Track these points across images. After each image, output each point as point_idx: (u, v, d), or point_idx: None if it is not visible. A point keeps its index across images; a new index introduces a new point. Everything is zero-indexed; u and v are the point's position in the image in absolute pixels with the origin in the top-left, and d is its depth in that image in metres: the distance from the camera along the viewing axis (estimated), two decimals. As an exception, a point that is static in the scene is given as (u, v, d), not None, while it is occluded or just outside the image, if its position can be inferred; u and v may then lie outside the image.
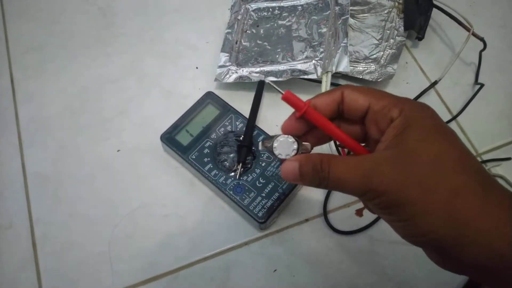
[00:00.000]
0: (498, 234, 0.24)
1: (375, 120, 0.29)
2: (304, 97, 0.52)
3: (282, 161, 0.30)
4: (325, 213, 0.45)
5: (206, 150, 0.46)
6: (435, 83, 0.52)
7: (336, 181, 0.27)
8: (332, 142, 0.45)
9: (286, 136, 0.31)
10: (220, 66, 0.52)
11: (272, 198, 0.43)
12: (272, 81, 0.31)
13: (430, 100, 0.52)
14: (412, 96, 0.52)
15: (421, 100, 0.51)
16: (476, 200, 0.25)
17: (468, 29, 0.52)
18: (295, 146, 0.31)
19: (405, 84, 0.53)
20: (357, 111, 0.29)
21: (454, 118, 0.51)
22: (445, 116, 0.51)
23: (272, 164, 0.45)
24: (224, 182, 0.44)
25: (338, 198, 0.46)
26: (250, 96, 0.50)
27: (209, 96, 0.49)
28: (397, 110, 0.27)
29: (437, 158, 0.26)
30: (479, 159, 0.48)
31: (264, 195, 0.43)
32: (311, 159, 0.28)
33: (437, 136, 0.26)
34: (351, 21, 0.56)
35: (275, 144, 0.31)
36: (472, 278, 0.27)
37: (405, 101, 0.28)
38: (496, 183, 0.27)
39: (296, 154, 0.30)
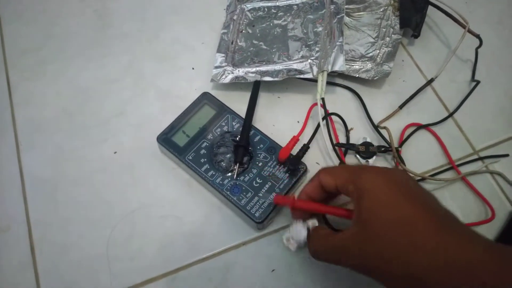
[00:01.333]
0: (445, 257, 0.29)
1: (344, 193, 0.36)
2: (302, 97, 0.52)
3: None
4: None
5: (202, 151, 0.46)
6: (431, 80, 0.52)
7: (314, 253, 0.37)
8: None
9: (296, 223, 0.39)
10: (216, 67, 0.52)
11: (269, 198, 0.43)
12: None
13: (426, 97, 0.52)
14: (408, 94, 0.52)
15: (417, 98, 0.51)
16: (430, 242, 0.29)
17: (463, 26, 0.52)
18: (305, 233, 0.38)
19: (402, 82, 0.53)
20: (331, 189, 0.36)
21: (450, 115, 0.51)
22: (441, 114, 0.51)
23: (268, 164, 0.45)
24: (221, 182, 0.44)
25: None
26: (246, 96, 0.50)
27: (205, 97, 0.49)
28: (352, 185, 0.34)
29: (387, 222, 0.31)
30: (476, 156, 0.48)
31: (261, 195, 0.43)
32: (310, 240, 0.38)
33: (386, 200, 0.32)
34: (347, 19, 0.55)
35: (291, 234, 0.39)
36: None
37: (361, 173, 0.34)
38: (449, 215, 0.32)
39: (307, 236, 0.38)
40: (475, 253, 0.28)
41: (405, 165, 0.46)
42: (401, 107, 0.51)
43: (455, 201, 0.46)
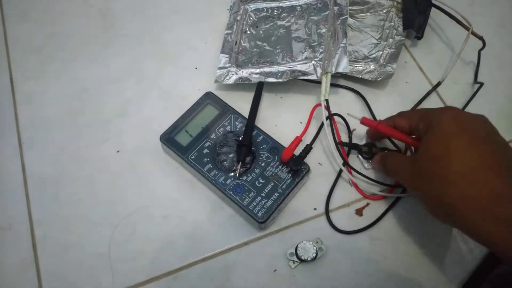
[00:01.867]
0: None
1: (415, 132, 0.40)
2: (304, 98, 0.52)
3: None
4: (327, 212, 0.45)
5: (205, 151, 0.46)
6: (438, 84, 0.52)
7: (387, 170, 0.43)
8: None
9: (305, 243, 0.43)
10: (220, 68, 0.52)
11: (271, 198, 0.43)
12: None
13: (430, 100, 0.52)
14: (411, 95, 0.52)
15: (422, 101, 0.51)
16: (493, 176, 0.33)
17: (467, 28, 0.52)
18: (314, 250, 0.43)
19: (404, 84, 0.53)
20: (404, 130, 0.41)
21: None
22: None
23: (271, 164, 0.45)
24: (223, 182, 0.44)
25: (338, 198, 0.46)
26: (249, 96, 0.50)
27: (208, 97, 0.49)
28: (422, 123, 0.38)
29: (445, 152, 0.34)
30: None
31: (263, 195, 0.43)
32: (381, 155, 0.45)
33: (447, 131, 0.35)
34: (350, 20, 0.56)
35: (300, 250, 0.43)
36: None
37: (431, 111, 0.38)
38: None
39: (315, 256, 0.43)
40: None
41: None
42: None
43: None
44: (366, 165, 0.48)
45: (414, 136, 0.42)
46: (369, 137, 0.49)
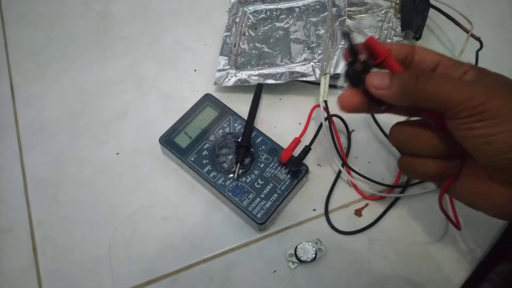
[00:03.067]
0: None
1: (446, 72, 0.31)
2: (303, 99, 0.52)
3: None
4: (326, 212, 0.45)
5: (204, 152, 0.46)
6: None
7: (435, 90, 0.28)
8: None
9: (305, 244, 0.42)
10: (219, 70, 0.53)
11: (271, 199, 0.43)
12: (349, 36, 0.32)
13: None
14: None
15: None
16: None
17: (466, 31, 0.52)
18: (314, 251, 0.42)
19: (403, 84, 0.53)
20: (426, 63, 0.31)
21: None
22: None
23: (270, 166, 0.45)
24: (223, 183, 0.44)
25: (337, 198, 0.46)
26: (248, 97, 0.50)
27: (207, 98, 0.49)
28: (468, 65, 0.30)
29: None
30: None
31: (263, 196, 0.43)
32: (413, 71, 0.30)
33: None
34: (348, 21, 0.56)
35: (299, 251, 0.42)
36: None
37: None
38: None
39: (315, 257, 0.42)
40: None
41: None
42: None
43: (457, 202, 0.46)
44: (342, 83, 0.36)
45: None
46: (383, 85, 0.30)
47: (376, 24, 0.56)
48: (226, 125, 0.48)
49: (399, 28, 0.54)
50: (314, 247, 0.43)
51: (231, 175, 0.45)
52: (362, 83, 0.31)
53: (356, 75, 0.31)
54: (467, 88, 0.28)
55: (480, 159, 0.29)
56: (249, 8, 0.58)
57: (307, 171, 0.45)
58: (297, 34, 0.55)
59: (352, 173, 0.47)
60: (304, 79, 0.50)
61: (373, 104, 0.32)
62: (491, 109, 0.27)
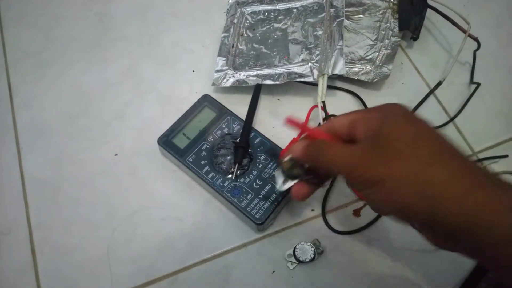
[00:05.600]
0: (468, 200, 0.27)
1: (354, 131, 0.33)
2: (301, 100, 0.52)
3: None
4: (323, 213, 0.45)
5: (203, 153, 0.46)
6: (439, 84, 0.51)
7: (328, 160, 0.32)
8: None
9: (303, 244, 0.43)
10: (217, 71, 0.53)
11: (269, 199, 0.43)
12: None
13: (427, 102, 0.52)
14: (408, 96, 0.52)
15: (417, 100, 0.52)
16: (448, 172, 0.28)
17: (464, 31, 0.52)
18: (312, 251, 0.43)
19: (401, 84, 0.53)
20: (342, 130, 0.34)
21: (452, 119, 0.51)
22: (442, 118, 0.51)
23: (269, 166, 0.45)
24: (221, 184, 0.44)
25: (336, 199, 0.46)
26: (246, 98, 0.50)
27: (206, 99, 0.50)
28: (376, 114, 0.32)
29: (410, 140, 0.29)
30: (475, 158, 0.49)
31: (261, 196, 0.43)
32: (315, 142, 0.34)
33: (408, 123, 0.30)
34: (346, 22, 0.56)
35: (298, 251, 0.43)
36: (463, 254, 0.30)
37: (376, 108, 0.33)
38: (470, 161, 0.30)
39: (314, 257, 0.42)
40: (460, 187, 0.27)
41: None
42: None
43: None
44: (280, 186, 0.38)
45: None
46: (298, 153, 0.35)
47: (373, 24, 0.56)
48: (224, 126, 0.48)
49: (397, 28, 0.54)
50: (312, 247, 0.43)
51: (230, 175, 0.45)
52: (297, 176, 0.37)
53: (289, 173, 0.37)
54: (352, 159, 0.31)
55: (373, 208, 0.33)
56: (247, 9, 0.58)
57: (305, 171, 0.45)
58: (295, 35, 0.55)
59: (351, 173, 0.47)
60: (302, 79, 0.50)
61: (319, 184, 0.38)
62: (373, 178, 0.29)
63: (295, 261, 0.43)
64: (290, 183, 0.37)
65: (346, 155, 0.31)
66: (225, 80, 0.52)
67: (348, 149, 0.32)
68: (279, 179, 0.38)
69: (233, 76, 0.52)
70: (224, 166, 0.45)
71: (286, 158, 0.37)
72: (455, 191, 0.27)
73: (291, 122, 0.37)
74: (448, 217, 0.27)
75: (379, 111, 0.32)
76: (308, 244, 0.43)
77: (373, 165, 0.29)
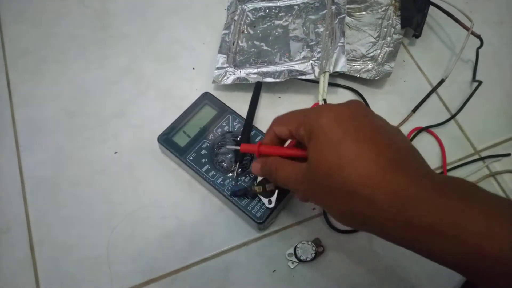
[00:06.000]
0: (384, 189, 0.29)
1: (298, 138, 0.36)
2: (302, 97, 0.52)
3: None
4: (324, 212, 0.45)
5: (203, 151, 0.46)
6: (442, 81, 0.51)
7: (279, 182, 0.37)
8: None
9: (304, 243, 0.43)
10: (218, 68, 0.52)
11: (270, 198, 0.43)
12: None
13: (429, 100, 0.51)
14: (410, 94, 0.52)
15: (419, 99, 0.51)
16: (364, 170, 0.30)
17: (466, 28, 0.52)
18: (313, 250, 0.43)
19: (403, 82, 0.53)
20: (287, 137, 0.37)
21: (453, 117, 0.50)
22: (443, 114, 0.51)
23: (270, 164, 0.45)
24: (222, 183, 0.44)
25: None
26: (247, 96, 0.50)
27: (206, 97, 0.49)
28: (303, 128, 0.34)
29: (328, 160, 0.31)
30: (477, 156, 0.48)
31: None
32: (268, 163, 0.38)
33: (332, 138, 0.31)
34: (348, 19, 0.55)
35: (299, 250, 0.43)
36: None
37: (311, 113, 0.34)
38: (403, 152, 0.31)
39: (314, 256, 0.42)
40: (411, 189, 0.29)
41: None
42: (414, 110, 0.50)
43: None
44: (268, 205, 0.42)
45: (300, 149, 0.37)
46: (257, 173, 0.40)
47: (375, 21, 0.55)
48: (225, 124, 0.47)
49: (399, 25, 0.54)
50: (313, 246, 0.42)
51: (230, 174, 0.44)
52: (274, 189, 0.42)
53: (265, 193, 0.42)
54: (299, 185, 0.34)
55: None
56: (248, 6, 0.57)
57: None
58: (296, 32, 0.54)
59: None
60: (303, 77, 0.50)
61: None
62: (313, 189, 0.33)
63: (296, 260, 0.42)
64: (274, 196, 0.42)
65: (292, 179, 0.35)
66: (225, 78, 0.52)
67: (295, 170, 0.35)
68: (263, 199, 0.42)
69: (234, 74, 0.52)
70: (225, 164, 0.45)
71: (255, 184, 0.42)
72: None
73: (245, 150, 0.40)
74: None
75: (306, 127, 0.34)
76: (309, 243, 0.43)
77: (313, 192, 0.33)
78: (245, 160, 0.45)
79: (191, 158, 0.45)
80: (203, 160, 0.45)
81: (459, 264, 0.28)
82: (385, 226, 0.30)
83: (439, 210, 0.27)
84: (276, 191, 0.42)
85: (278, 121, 0.38)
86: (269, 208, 0.42)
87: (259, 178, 0.42)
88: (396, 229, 0.29)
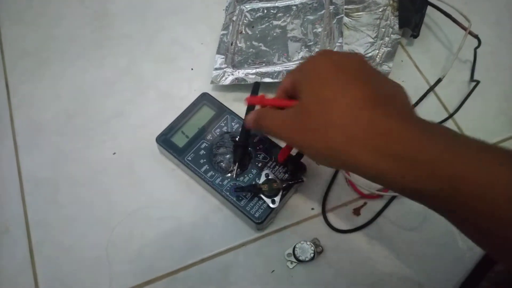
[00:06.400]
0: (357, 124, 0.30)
1: (296, 86, 0.36)
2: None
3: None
4: (323, 212, 0.45)
5: (202, 152, 0.46)
6: (439, 81, 0.51)
7: (266, 129, 0.37)
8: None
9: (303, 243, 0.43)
10: (216, 69, 0.52)
11: (274, 198, 0.43)
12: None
13: (427, 100, 0.52)
14: (410, 95, 0.52)
15: (416, 97, 0.51)
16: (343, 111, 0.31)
17: (464, 28, 0.52)
18: (312, 250, 0.43)
19: (401, 82, 0.52)
20: (289, 87, 0.37)
21: (450, 116, 0.50)
22: (442, 115, 0.51)
23: (268, 165, 0.45)
24: (220, 183, 0.44)
25: (336, 198, 0.46)
26: (245, 96, 0.50)
27: (205, 97, 0.49)
28: (299, 73, 0.35)
29: (316, 98, 0.32)
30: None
31: (260, 195, 0.43)
32: (256, 113, 0.39)
33: (322, 79, 0.33)
34: (346, 19, 0.55)
35: (297, 250, 0.43)
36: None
37: (308, 59, 0.36)
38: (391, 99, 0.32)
39: (313, 256, 0.42)
40: (393, 125, 0.29)
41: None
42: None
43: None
44: (271, 204, 0.43)
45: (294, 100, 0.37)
46: (249, 124, 0.40)
47: (373, 22, 0.55)
48: (223, 124, 0.47)
49: (397, 26, 0.54)
50: (312, 246, 0.43)
51: (229, 174, 0.44)
52: (278, 189, 0.43)
53: (271, 191, 0.43)
54: (282, 129, 0.35)
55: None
56: (246, 6, 0.58)
57: (305, 170, 0.45)
58: (294, 32, 0.55)
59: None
60: (302, 77, 0.50)
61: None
62: (297, 129, 0.33)
63: (294, 260, 0.42)
64: (278, 196, 0.42)
65: (277, 124, 0.35)
66: (224, 78, 0.52)
67: (280, 116, 0.35)
68: (266, 200, 0.42)
69: (232, 74, 0.52)
70: (223, 165, 0.45)
71: (260, 183, 0.43)
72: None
73: (250, 101, 0.42)
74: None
75: (306, 72, 0.35)
76: (308, 243, 0.43)
77: (298, 133, 0.33)
78: (244, 161, 0.45)
79: (190, 159, 0.45)
80: (201, 161, 0.45)
81: (432, 192, 0.29)
82: (360, 161, 0.30)
83: (413, 140, 0.29)
84: (281, 192, 0.43)
85: (286, 75, 0.39)
86: (270, 208, 0.42)
87: (263, 178, 0.43)
88: (372, 162, 0.30)
